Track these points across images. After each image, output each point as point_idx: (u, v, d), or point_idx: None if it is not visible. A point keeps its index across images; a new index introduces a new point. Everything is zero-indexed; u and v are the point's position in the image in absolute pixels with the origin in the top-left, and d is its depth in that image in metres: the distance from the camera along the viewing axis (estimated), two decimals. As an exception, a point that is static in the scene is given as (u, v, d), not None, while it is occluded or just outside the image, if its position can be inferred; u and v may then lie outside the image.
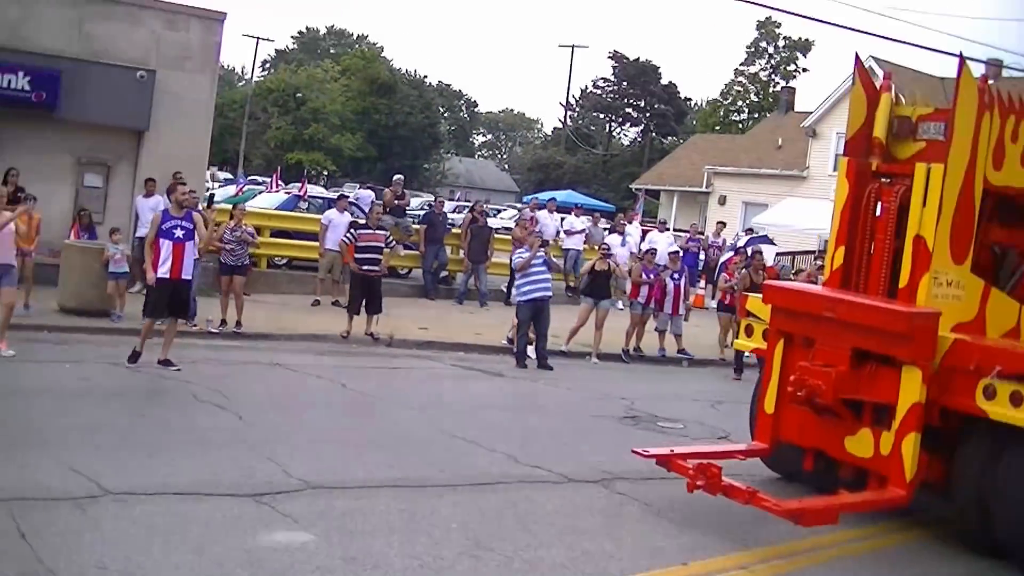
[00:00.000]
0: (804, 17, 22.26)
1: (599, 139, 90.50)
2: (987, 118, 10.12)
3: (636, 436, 13.31)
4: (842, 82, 51.07)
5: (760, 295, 11.53)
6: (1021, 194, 10.66)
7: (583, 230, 29.09)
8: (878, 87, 10.88)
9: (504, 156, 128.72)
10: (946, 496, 10.15)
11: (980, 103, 10.07)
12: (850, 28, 30.37)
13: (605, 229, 29.99)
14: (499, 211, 51.99)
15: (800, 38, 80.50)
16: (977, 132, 10.08)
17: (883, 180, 10.77)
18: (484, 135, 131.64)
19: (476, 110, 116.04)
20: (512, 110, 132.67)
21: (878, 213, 10.66)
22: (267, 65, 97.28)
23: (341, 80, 79.95)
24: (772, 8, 28.41)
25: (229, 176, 55.35)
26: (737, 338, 14.65)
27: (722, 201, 55.96)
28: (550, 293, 18.77)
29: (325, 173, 72.36)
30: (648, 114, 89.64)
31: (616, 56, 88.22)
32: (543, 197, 43.94)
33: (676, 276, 21.16)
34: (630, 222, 31.21)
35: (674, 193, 60.50)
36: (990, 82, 10.40)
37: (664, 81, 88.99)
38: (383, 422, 13.05)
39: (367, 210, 23.73)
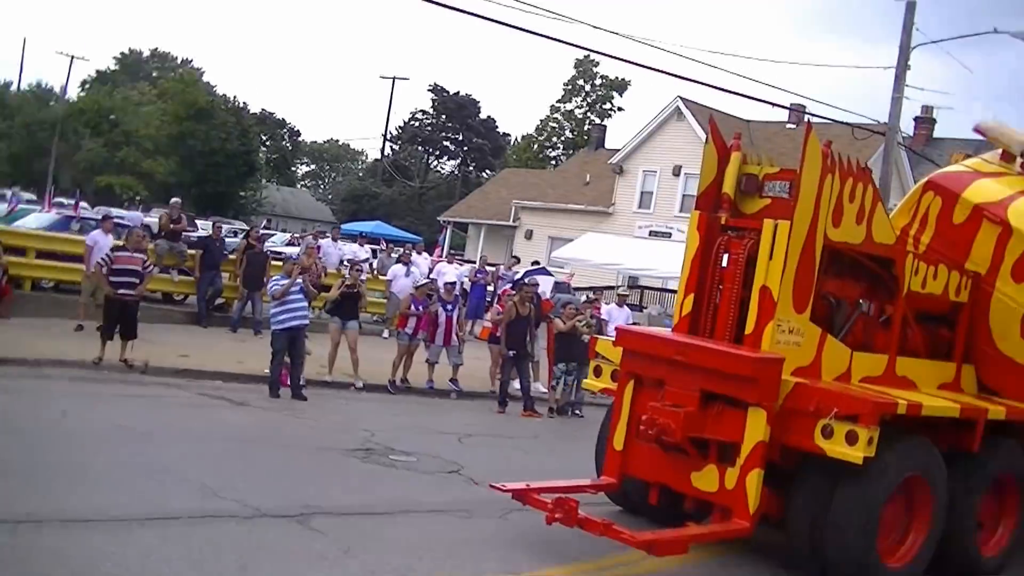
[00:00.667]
0: (620, 59, 23.16)
1: (417, 171, 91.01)
2: (829, 179, 10.83)
3: (359, 469, 13.27)
4: (650, 121, 52.75)
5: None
6: (855, 249, 11.49)
7: (367, 259, 29.39)
8: (728, 146, 11.69)
9: (328, 186, 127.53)
10: (782, 526, 10.92)
11: (823, 166, 10.77)
12: (664, 71, 31.32)
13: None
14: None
15: (617, 77, 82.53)
16: (820, 192, 10.74)
17: (730, 233, 11.40)
18: (308, 165, 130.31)
19: (299, 139, 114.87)
20: (337, 141, 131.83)
21: (725, 264, 11.31)
22: (87, 86, 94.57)
23: (158, 104, 78.26)
24: (589, 49, 29.43)
25: (32, 196, 53.86)
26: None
27: (528, 235, 56.92)
28: (307, 321, 18.54)
29: (138, 198, 70.94)
30: (466, 148, 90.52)
31: (436, 89, 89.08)
32: (355, 228, 44.36)
33: (449, 307, 20.96)
34: (419, 253, 31.74)
35: (482, 226, 61.24)
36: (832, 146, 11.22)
37: (483, 115, 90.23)
38: (79, 452, 12.04)
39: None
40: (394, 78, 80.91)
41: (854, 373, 11.47)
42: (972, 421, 11.39)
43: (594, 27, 21.92)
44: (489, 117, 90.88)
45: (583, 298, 26.37)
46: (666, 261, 41.28)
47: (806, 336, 10.98)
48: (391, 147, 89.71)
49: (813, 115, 32.36)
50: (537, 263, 38.11)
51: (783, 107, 28.91)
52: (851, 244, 11.34)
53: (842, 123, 30.03)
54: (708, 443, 10.72)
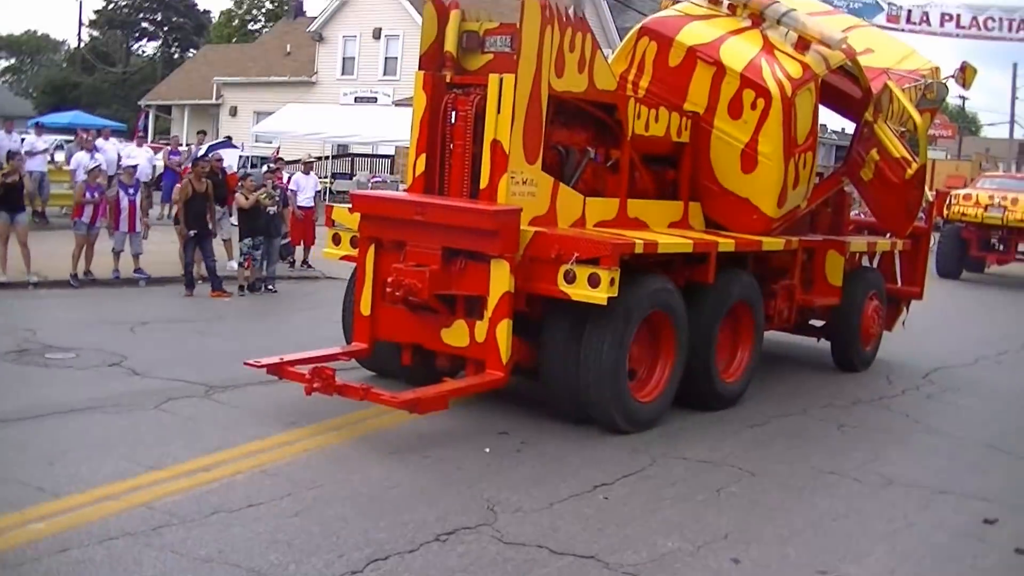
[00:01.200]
0: None
1: (119, 57, 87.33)
2: (549, 31, 10.85)
3: (5, 374, 12.06)
4: None
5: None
6: (578, 98, 11.60)
7: (46, 150, 27.90)
8: (447, 4, 11.61)
9: (29, 80, 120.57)
10: (534, 374, 11.21)
11: (543, 18, 10.76)
12: None
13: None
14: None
15: None
16: (541, 44, 10.77)
17: (456, 91, 11.36)
18: (6, 59, 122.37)
19: None
20: (36, 32, 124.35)
21: (453, 121, 11.32)
22: None
23: None
24: None
25: None
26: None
27: (233, 112, 55.92)
28: None
29: None
30: (166, 28, 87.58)
31: None
32: (52, 120, 42.38)
33: (132, 191, 19.77)
34: (106, 138, 30.05)
35: (185, 107, 59.71)
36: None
37: None
38: None
39: None
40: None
41: (588, 219, 11.73)
42: (705, 255, 11.81)
43: None
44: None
45: (263, 169, 25.52)
46: (372, 126, 41.15)
47: (539, 186, 11.11)
48: (89, 33, 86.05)
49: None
50: (229, 138, 37.20)
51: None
52: (575, 93, 11.47)
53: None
54: (455, 299, 10.80)
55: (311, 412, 10.70)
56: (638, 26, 13.85)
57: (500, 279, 10.34)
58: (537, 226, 10.80)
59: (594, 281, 10.16)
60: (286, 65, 55.11)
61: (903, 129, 14.48)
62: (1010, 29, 38.06)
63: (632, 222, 12.24)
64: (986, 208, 31.74)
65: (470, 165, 11.16)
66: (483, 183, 10.92)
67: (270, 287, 20.25)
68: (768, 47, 13.03)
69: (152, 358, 13.06)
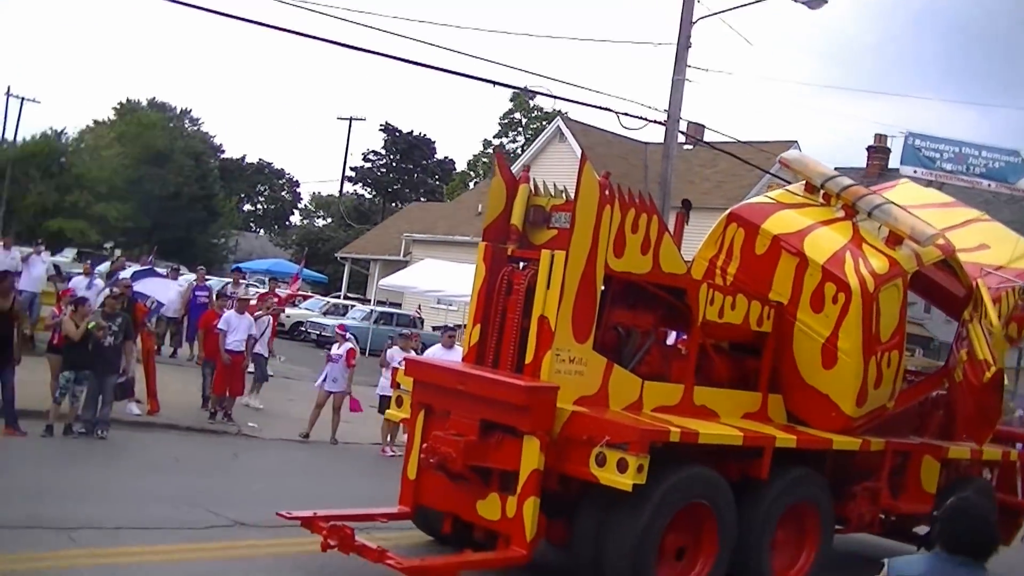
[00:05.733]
0: (547, 95, 22.74)
1: (376, 212, 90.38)
2: (607, 211, 10.97)
3: None
4: (534, 144, 52.42)
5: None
6: (642, 279, 11.58)
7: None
8: (517, 178, 11.81)
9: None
10: (569, 552, 10.97)
11: (601, 197, 10.89)
12: (590, 104, 30.85)
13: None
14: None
15: (553, 108, 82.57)
16: (598, 223, 10.89)
17: (516, 264, 11.58)
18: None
19: (298, 189, 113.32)
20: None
21: (510, 294, 11.50)
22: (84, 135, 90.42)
23: (116, 148, 74.93)
24: (514, 88, 28.91)
25: None
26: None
27: (419, 269, 56.67)
28: None
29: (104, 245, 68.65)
30: (421, 189, 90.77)
31: (388, 128, 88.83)
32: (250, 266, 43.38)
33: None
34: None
35: (378, 262, 60.71)
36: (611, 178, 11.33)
37: (440, 156, 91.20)
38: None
39: None
40: (351, 119, 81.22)
41: (647, 402, 11.54)
42: (760, 449, 11.47)
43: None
44: (446, 158, 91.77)
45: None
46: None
47: (589, 365, 11.05)
48: (355, 190, 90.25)
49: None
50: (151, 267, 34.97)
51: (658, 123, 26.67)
52: (636, 274, 11.44)
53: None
54: (491, 472, 10.78)
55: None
56: (727, 212, 13.72)
57: (530, 456, 10.30)
58: (585, 406, 10.75)
59: (622, 466, 9.98)
60: (474, 224, 55.59)
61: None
62: None
63: (699, 410, 11.96)
64: None
65: (519, 339, 11.20)
66: (528, 358, 10.96)
67: (100, 432, 16.81)
68: (857, 240, 12.71)
69: None
